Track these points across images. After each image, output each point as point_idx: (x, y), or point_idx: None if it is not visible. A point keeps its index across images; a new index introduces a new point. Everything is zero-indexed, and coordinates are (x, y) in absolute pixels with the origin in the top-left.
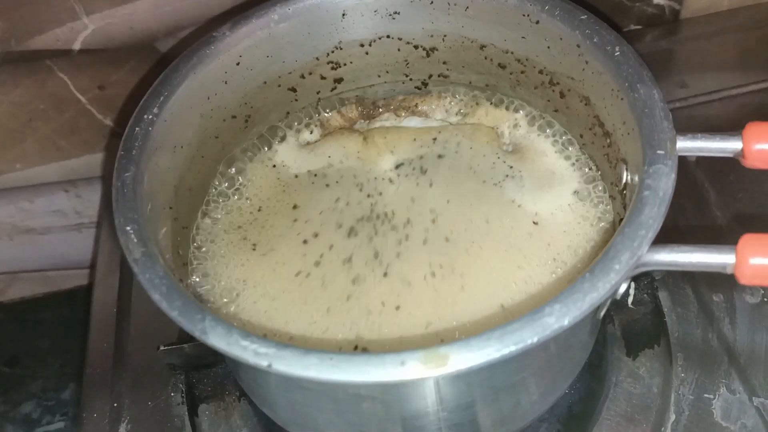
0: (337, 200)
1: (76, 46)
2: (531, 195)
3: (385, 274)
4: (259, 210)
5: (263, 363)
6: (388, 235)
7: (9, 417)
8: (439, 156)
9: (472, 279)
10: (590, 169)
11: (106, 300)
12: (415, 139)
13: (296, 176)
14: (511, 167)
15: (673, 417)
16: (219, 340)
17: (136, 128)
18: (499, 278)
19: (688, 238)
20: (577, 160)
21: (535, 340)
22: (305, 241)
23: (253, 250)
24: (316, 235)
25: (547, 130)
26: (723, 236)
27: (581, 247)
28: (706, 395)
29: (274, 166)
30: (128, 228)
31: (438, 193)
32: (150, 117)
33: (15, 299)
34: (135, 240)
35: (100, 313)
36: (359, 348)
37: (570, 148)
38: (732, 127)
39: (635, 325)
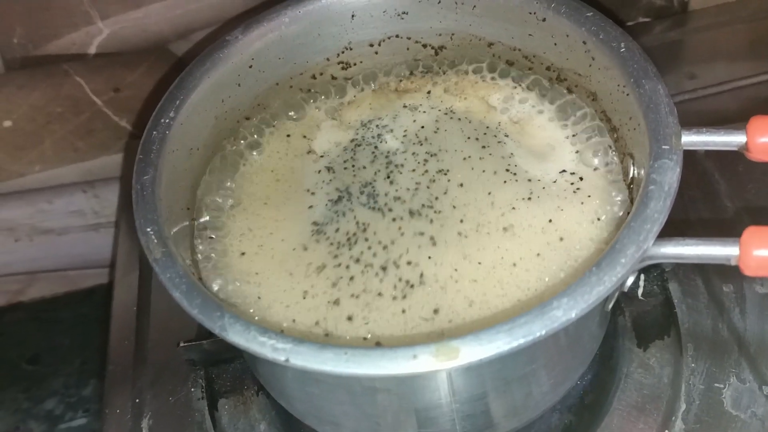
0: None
1: (92, 50)
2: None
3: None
4: (265, 203)
5: (281, 358)
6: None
7: (32, 413)
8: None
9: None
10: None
11: (125, 298)
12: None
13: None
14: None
15: (683, 406)
16: (238, 336)
17: (154, 132)
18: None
19: (699, 230)
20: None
21: (543, 332)
22: (320, 230)
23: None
24: (324, 224)
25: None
26: (734, 227)
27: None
28: (716, 385)
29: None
30: (148, 229)
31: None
32: (166, 121)
33: (35, 299)
34: (155, 241)
35: (121, 311)
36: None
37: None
38: (742, 118)
39: (646, 316)
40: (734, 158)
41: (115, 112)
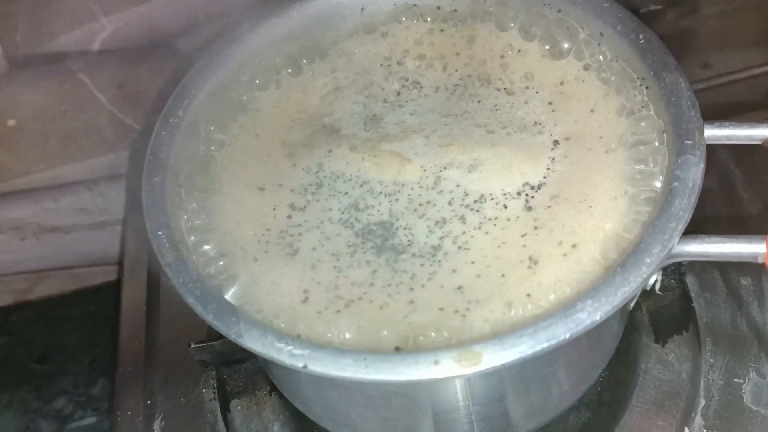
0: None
1: (95, 46)
2: None
3: None
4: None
5: (299, 364)
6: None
7: (42, 413)
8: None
9: None
10: None
11: (134, 297)
12: None
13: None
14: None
15: (703, 402)
16: (254, 342)
17: (163, 132)
18: None
19: (715, 222)
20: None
21: (567, 336)
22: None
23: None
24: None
25: None
26: (751, 219)
27: None
28: (735, 380)
29: None
30: (160, 233)
31: None
32: (175, 120)
33: (43, 297)
34: (167, 244)
35: (130, 310)
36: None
37: None
38: (758, 107)
39: (663, 311)
40: (748, 147)
41: (120, 110)
